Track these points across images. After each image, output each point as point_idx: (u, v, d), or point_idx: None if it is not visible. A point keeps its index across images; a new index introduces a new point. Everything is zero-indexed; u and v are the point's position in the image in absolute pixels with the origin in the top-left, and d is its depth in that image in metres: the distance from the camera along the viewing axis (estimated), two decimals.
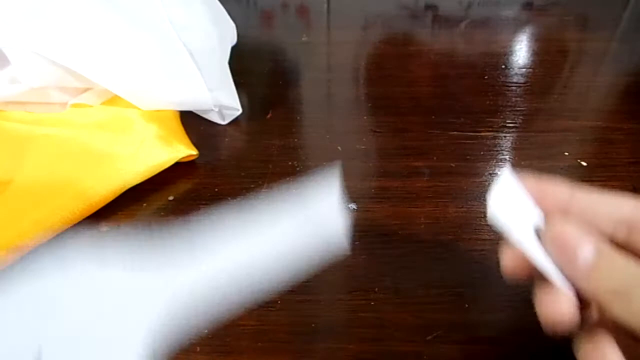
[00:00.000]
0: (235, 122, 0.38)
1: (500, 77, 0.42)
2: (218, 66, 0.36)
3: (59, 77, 0.32)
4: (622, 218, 0.18)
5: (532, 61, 0.44)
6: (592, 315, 0.19)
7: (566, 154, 0.35)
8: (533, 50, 0.46)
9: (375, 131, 0.37)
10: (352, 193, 0.32)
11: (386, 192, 0.33)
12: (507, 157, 0.35)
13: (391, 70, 0.42)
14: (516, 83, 0.42)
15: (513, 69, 0.43)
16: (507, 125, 0.37)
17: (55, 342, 0.21)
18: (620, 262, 0.17)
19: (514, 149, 0.35)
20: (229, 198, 0.32)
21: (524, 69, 0.43)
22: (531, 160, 0.35)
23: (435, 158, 0.35)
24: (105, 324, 0.22)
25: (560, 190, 0.20)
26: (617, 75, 0.43)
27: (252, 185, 0.33)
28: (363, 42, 0.46)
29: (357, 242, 0.30)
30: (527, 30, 0.48)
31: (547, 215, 0.19)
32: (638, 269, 0.17)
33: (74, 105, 0.35)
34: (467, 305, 0.27)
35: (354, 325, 0.26)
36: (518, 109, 0.39)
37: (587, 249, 0.18)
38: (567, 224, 0.18)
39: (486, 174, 0.30)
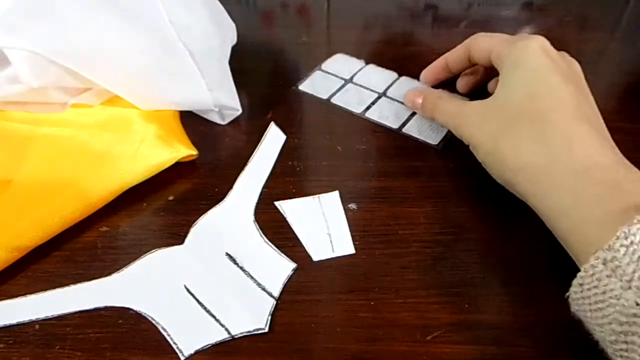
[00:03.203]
0: (235, 122, 0.37)
1: None
2: (218, 66, 0.36)
3: (59, 77, 0.32)
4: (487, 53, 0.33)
5: None
6: None
7: None
8: None
9: (375, 131, 0.37)
10: (352, 193, 0.32)
11: (386, 192, 0.33)
12: None
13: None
14: None
15: None
16: None
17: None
18: (443, 102, 0.34)
19: None
20: None
21: None
22: None
23: (436, 158, 0.35)
24: None
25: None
26: (617, 75, 0.43)
27: None
28: (363, 42, 0.46)
29: (357, 242, 0.30)
30: (527, 30, 0.48)
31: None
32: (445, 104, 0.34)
33: (74, 105, 0.35)
34: (467, 305, 0.27)
35: (354, 325, 0.26)
36: None
37: (419, 98, 0.36)
38: (409, 89, 0.38)
39: (486, 173, 0.30)
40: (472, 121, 0.31)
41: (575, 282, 0.22)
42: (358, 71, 0.42)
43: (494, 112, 0.30)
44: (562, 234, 0.25)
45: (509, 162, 0.28)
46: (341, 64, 0.43)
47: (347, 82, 0.41)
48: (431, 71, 0.39)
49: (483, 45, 0.33)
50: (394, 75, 0.41)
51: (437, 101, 0.35)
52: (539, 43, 0.30)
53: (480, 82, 0.38)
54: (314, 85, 0.41)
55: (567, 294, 0.23)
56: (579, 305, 0.22)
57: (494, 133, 0.29)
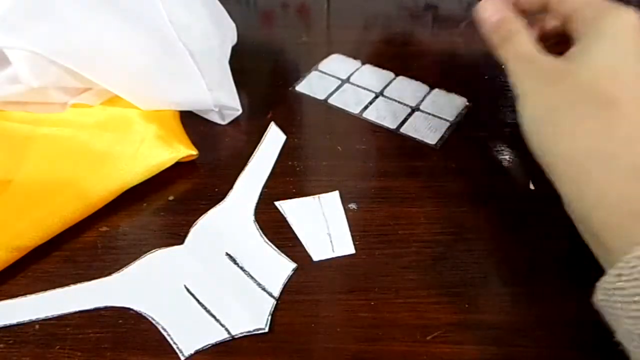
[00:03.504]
0: (235, 122, 0.37)
1: (501, 77, 0.42)
2: (218, 66, 0.36)
3: (59, 77, 0.32)
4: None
5: None
6: None
7: None
8: None
9: (375, 131, 0.37)
10: (352, 193, 0.32)
11: (386, 192, 0.33)
12: (507, 156, 0.35)
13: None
14: None
15: None
16: (508, 124, 0.37)
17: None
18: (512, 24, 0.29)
19: (514, 148, 0.35)
20: None
21: None
22: (532, 159, 0.35)
23: (435, 158, 0.35)
24: None
25: None
26: None
27: None
28: (363, 42, 0.46)
29: (357, 242, 0.30)
30: None
31: None
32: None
33: (74, 105, 0.35)
34: (467, 305, 0.27)
35: (354, 325, 0.26)
36: None
37: (495, 16, 0.29)
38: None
39: (486, 173, 0.30)
40: (536, 77, 0.27)
41: (611, 272, 0.21)
42: (355, 71, 0.42)
43: (564, 76, 0.26)
44: (595, 225, 0.24)
45: (559, 137, 0.25)
46: (338, 64, 0.43)
47: (344, 82, 0.41)
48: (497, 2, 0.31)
49: None
50: (391, 75, 0.41)
51: (515, 35, 0.29)
52: (633, 19, 0.26)
53: None
54: (311, 85, 0.41)
55: (597, 282, 0.22)
56: (608, 296, 0.22)
57: (553, 100, 0.26)
